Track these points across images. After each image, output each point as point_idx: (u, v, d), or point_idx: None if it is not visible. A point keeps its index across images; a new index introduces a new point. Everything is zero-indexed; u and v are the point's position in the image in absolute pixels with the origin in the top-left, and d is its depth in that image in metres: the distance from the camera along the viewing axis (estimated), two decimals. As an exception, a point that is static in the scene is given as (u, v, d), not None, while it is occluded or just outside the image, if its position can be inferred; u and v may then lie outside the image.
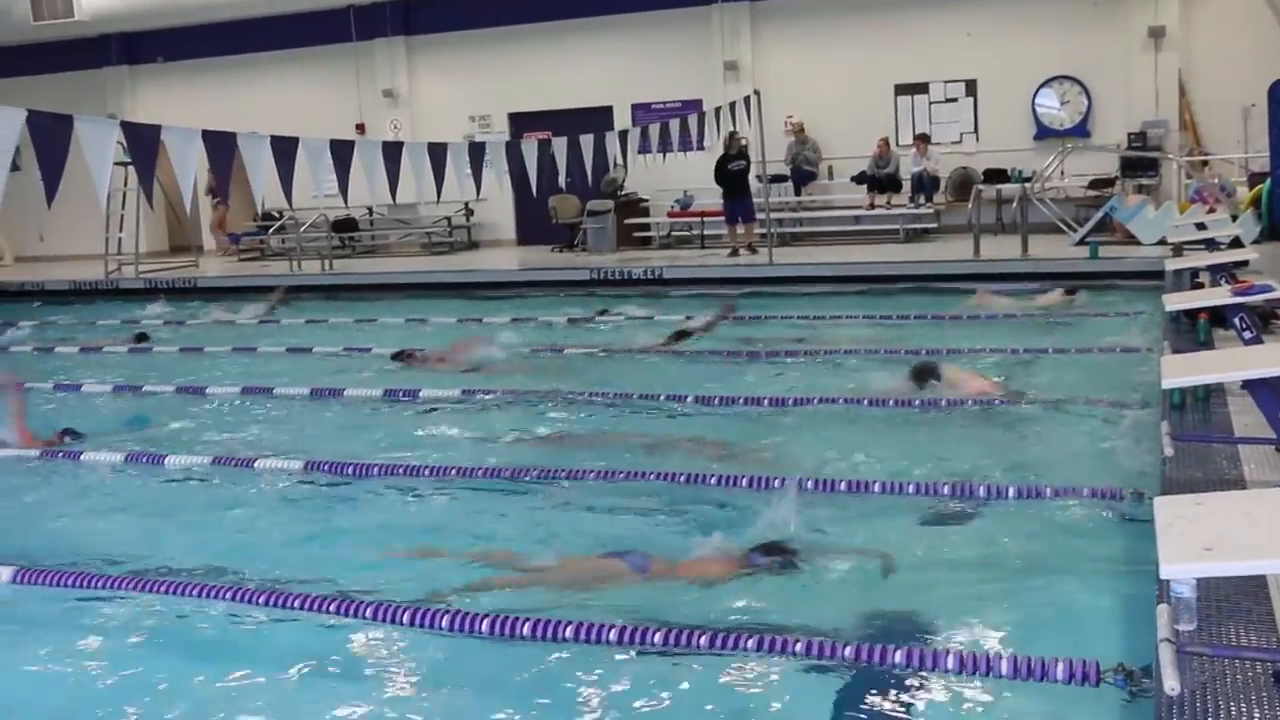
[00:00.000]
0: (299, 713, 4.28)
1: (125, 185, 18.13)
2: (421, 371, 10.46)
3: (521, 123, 20.89)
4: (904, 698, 4.04)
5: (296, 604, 5.00)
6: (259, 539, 6.27)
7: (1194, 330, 8.46)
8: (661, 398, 8.77)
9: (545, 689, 4.36)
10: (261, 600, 5.06)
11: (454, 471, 7.03)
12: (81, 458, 7.80)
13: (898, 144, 18.98)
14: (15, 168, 6.90)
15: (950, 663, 4.10)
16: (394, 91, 22.27)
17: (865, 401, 8.17)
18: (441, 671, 4.55)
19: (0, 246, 22.99)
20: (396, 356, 10.92)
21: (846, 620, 4.64)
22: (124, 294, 18.44)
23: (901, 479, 6.32)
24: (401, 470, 7.13)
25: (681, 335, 11.46)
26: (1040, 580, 5.03)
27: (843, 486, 6.23)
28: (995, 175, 17.94)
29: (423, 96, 22.32)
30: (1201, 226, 12.15)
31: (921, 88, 19.30)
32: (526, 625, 4.57)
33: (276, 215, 21.44)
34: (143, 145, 7.89)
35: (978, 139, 19.06)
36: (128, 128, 7.87)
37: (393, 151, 10.45)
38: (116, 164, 8.70)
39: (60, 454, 7.89)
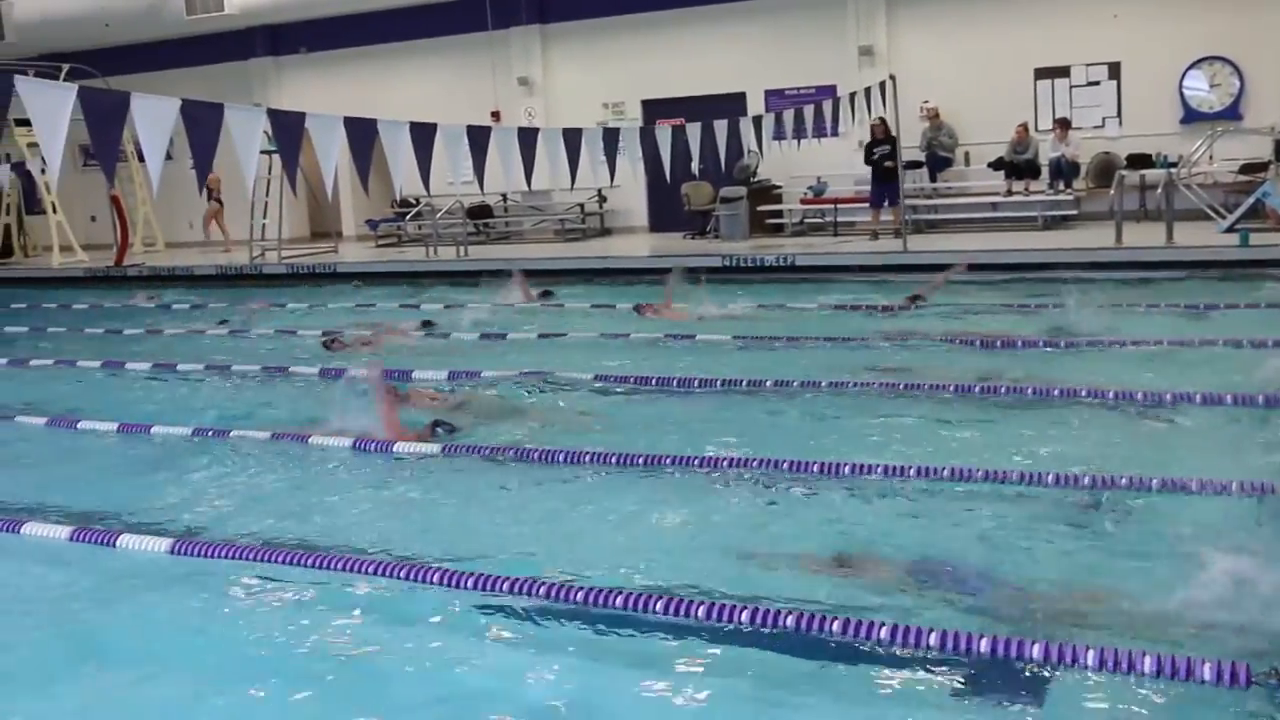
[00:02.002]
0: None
1: (269, 173, 18.69)
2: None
3: (654, 109, 20.95)
4: (1042, 694, 3.95)
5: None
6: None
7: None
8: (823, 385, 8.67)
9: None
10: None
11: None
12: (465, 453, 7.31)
13: (1036, 129, 18.51)
14: (167, 157, 7.17)
15: (1090, 659, 4.01)
16: (529, 79, 22.51)
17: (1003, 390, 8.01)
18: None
19: (154, 232, 23.87)
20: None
21: (981, 614, 4.56)
22: (267, 279, 19.00)
23: (1034, 469, 6.18)
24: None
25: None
26: (1186, 577, 4.87)
27: (979, 475, 6.13)
28: (1139, 160, 17.35)
29: (557, 84, 22.52)
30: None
31: (1062, 71, 18.78)
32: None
33: (413, 202, 21.88)
34: (288, 133, 8.12)
35: (1121, 123, 18.48)
36: (274, 116, 8.10)
37: (528, 138, 10.57)
38: (262, 152, 8.96)
39: (446, 449, 7.38)
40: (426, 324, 12.95)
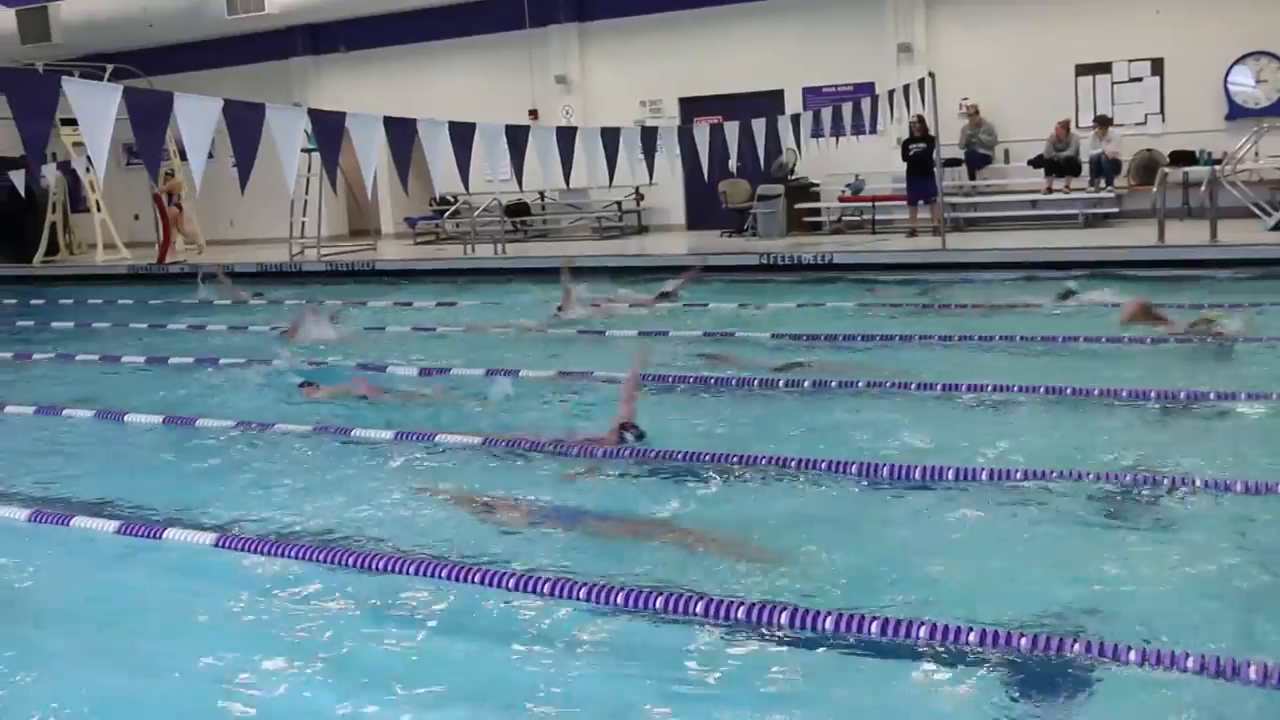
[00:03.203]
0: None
1: (309, 171, 18.83)
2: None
3: (692, 107, 20.96)
4: (1083, 692, 3.93)
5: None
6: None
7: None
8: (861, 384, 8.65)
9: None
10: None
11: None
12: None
13: (1077, 126, 18.37)
14: (209, 156, 7.25)
15: (1133, 656, 3.98)
16: (566, 77, 22.56)
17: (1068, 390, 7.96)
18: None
19: (195, 231, 24.11)
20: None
21: (1026, 610, 4.55)
22: (306, 276, 19.14)
23: (1087, 469, 6.14)
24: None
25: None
26: (1235, 577, 4.84)
27: (1019, 475, 6.11)
28: (1182, 157, 17.21)
29: (594, 82, 22.56)
30: None
31: (1104, 67, 18.63)
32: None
33: (451, 200, 21.98)
34: (329, 132, 8.20)
35: (1164, 120, 18.31)
36: (314, 115, 8.18)
37: (567, 137, 10.59)
38: (302, 150, 9.03)
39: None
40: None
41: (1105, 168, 17.64)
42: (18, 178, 15.04)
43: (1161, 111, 18.34)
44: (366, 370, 10.31)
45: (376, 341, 12.28)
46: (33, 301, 18.35)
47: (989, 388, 8.06)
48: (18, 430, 8.93)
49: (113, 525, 6.17)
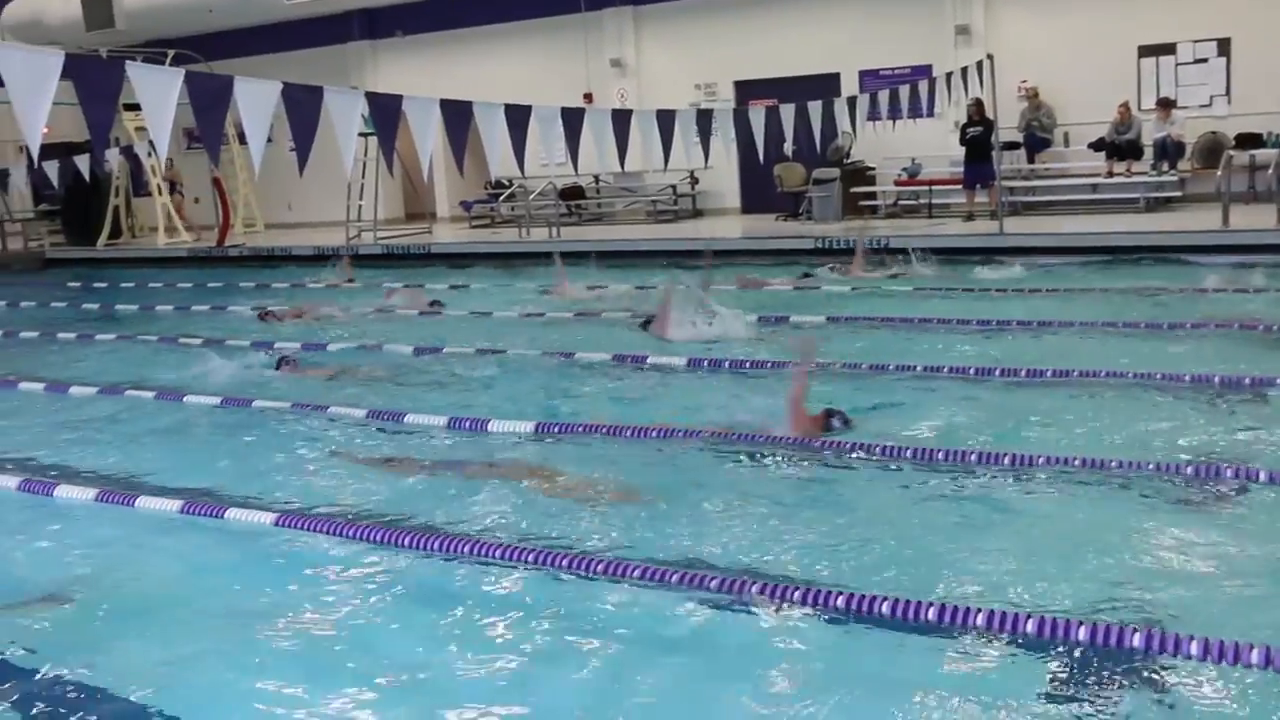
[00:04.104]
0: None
1: (366, 155, 18.96)
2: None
3: (746, 90, 20.84)
4: (1143, 683, 3.89)
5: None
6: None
7: None
8: (891, 368, 8.62)
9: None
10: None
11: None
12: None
13: (1139, 108, 18.07)
14: (267, 139, 7.31)
15: (1194, 649, 3.93)
16: (621, 61, 22.53)
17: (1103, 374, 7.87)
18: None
19: (254, 214, 24.37)
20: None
21: (1081, 599, 4.50)
22: (362, 259, 19.27)
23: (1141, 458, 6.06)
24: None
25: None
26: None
27: (1077, 463, 6.04)
28: (1248, 140, 16.87)
29: (649, 65, 22.51)
30: None
31: (1168, 48, 18.29)
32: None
33: (506, 183, 22.05)
34: (385, 115, 8.23)
35: (1229, 101, 17.95)
36: (372, 99, 8.20)
37: (622, 120, 10.57)
38: (359, 134, 9.08)
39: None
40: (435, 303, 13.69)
41: (1169, 150, 17.34)
42: (83, 162, 15.32)
43: (1227, 93, 17.98)
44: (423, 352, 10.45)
45: (432, 322, 12.40)
46: (96, 284, 18.67)
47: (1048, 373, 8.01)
48: (81, 409, 9.09)
49: (176, 504, 6.27)
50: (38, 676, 4.40)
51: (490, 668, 4.32)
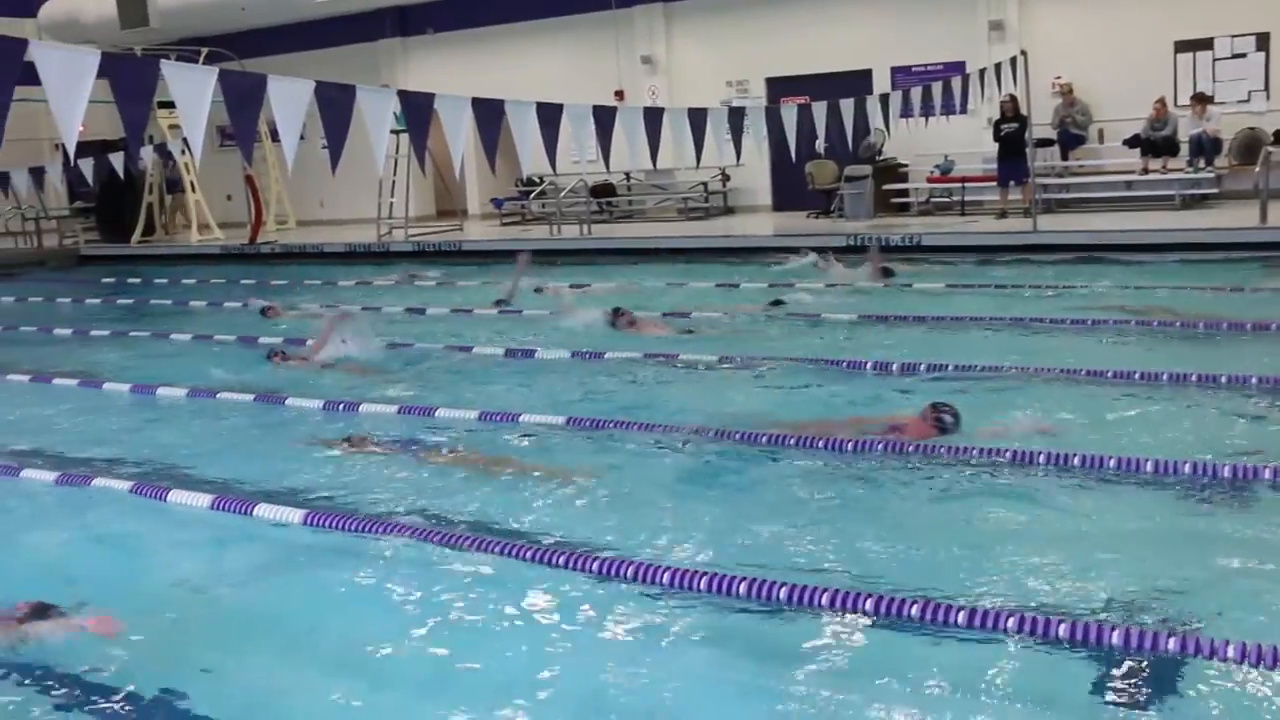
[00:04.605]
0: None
1: (397, 152, 19.03)
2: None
3: (778, 87, 20.79)
4: (1180, 686, 3.85)
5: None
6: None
7: None
8: (922, 368, 8.56)
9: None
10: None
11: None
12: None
13: (1175, 104, 17.89)
14: (300, 137, 7.33)
15: (1231, 652, 3.88)
16: (652, 58, 22.51)
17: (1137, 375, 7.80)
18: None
19: (286, 211, 24.50)
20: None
21: (1115, 603, 4.46)
22: (393, 256, 19.36)
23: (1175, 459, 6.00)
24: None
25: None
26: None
27: (1112, 464, 5.98)
28: (1287, 137, 16.70)
29: (680, 62, 22.48)
30: None
31: (1205, 43, 18.11)
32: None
33: (537, 181, 22.07)
34: (417, 113, 8.23)
35: (1268, 97, 17.75)
36: (404, 97, 8.21)
37: (654, 117, 10.54)
38: (391, 132, 9.10)
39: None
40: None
41: (1205, 147, 17.16)
42: (117, 160, 15.43)
43: (1266, 88, 17.77)
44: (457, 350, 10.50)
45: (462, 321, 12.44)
46: (130, 280, 18.82)
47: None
48: (113, 406, 9.16)
49: (206, 500, 6.31)
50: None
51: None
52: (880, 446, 6.51)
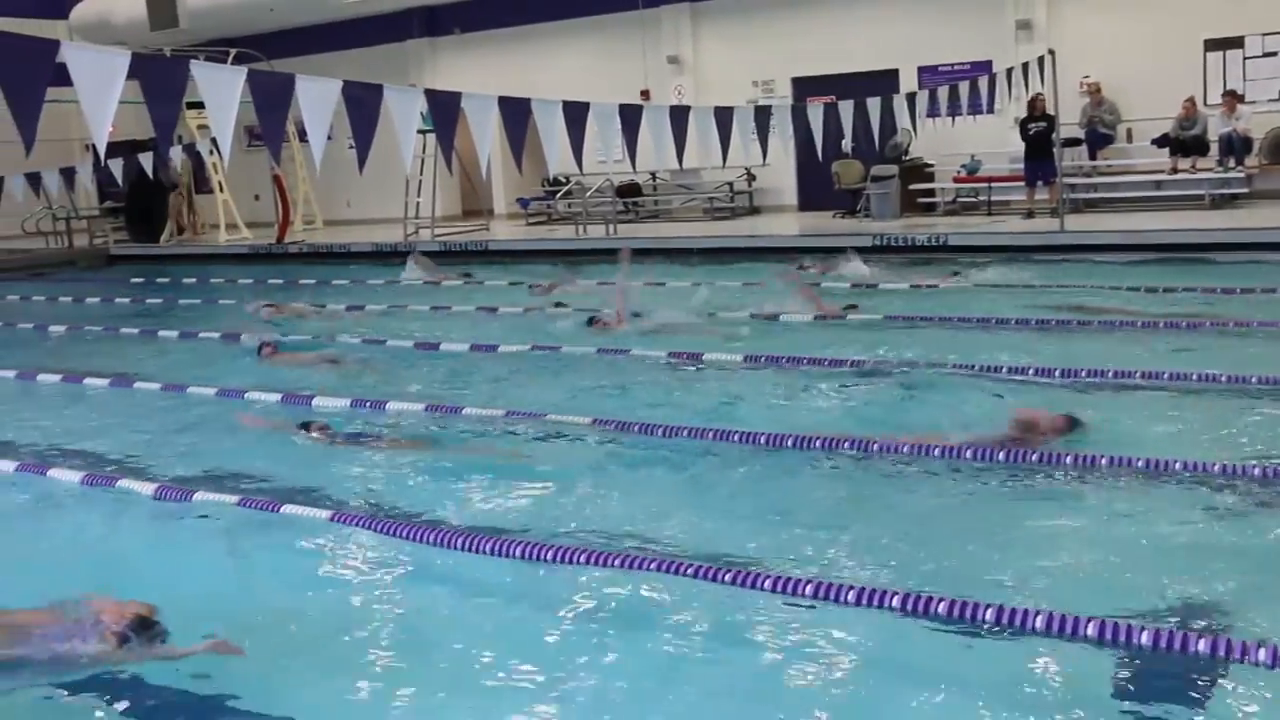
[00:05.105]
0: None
1: (424, 152, 19.08)
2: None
3: (804, 87, 20.74)
4: (1209, 689, 3.82)
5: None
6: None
7: None
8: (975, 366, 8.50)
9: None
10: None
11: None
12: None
13: (1205, 103, 17.74)
14: (328, 137, 7.35)
15: (1262, 656, 3.85)
16: (678, 58, 22.50)
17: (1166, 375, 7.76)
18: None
19: (313, 211, 24.61)
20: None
21: (1144, 604, 4.44)
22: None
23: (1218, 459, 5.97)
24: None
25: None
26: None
27: (1141, 464, 5.95)
28: (1319, 136, 16.55)
29: (706, 62, 22.46)
30: None
31: (1235, 42, 17.97)
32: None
33: (563, 180, 22.10)
34: (444, 113, 8.26)
35: (1300, 96, 17.61)
36: (431, 96, 8.24)
37: (680, 117, 10.54)
38: (418, 131, 9.11)
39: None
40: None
41: (1235, 146, 17.02)
42: (146, 160, 15.55)
43: (1297, 87, 17.63)
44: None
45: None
46: (159, 280, 18.94)
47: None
48: (144, 406, 9.22)
49: (233, 499, 6.34)
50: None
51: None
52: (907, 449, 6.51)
